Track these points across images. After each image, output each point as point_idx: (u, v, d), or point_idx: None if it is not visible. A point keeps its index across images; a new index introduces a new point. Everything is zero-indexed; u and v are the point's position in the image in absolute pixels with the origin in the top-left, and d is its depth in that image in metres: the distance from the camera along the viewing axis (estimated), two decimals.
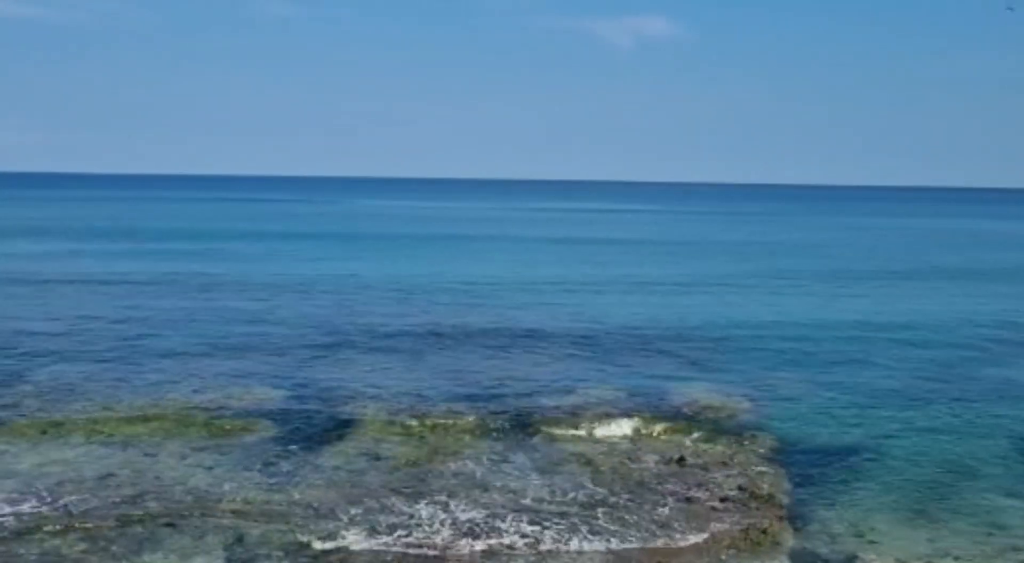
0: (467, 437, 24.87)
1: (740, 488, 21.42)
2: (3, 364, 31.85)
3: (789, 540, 18.80)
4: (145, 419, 25.76)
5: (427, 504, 20.15)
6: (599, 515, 19.82)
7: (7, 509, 19.40)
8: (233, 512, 19.49)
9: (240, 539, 18.21)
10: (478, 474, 22.10)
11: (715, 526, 19.35)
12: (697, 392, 29.65)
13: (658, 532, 19.02)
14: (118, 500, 20.04)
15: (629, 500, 20.72)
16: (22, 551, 17.49)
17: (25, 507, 19.56)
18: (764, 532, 18.97)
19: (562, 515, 19.76)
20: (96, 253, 74.01)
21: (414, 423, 25.83)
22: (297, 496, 20.47)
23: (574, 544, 18.35)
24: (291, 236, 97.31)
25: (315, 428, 25.42)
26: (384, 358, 33.92)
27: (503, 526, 19.05)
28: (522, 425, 25.91)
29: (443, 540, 18.36)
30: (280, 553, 17.65)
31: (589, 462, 23.14)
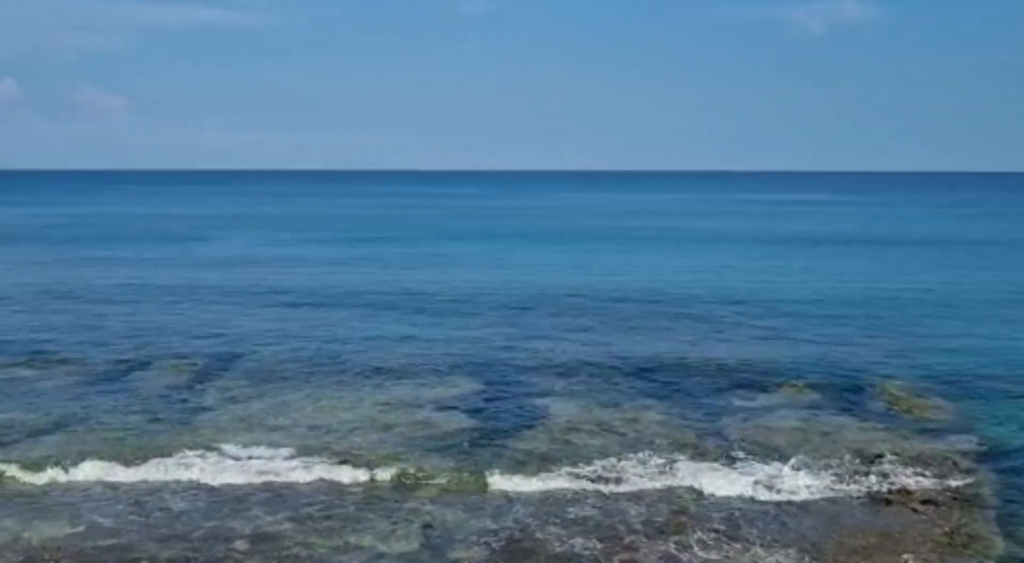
0: (657, 428, 24.80)
1: (944, 489, 20.56)
2: (222, 350, 33.88)
3: (998, 545, 17.89)
4: (345, 408, 26.94)
5: (618, 497, 20.26)
6: (791, 513, 19.44)
7: (218, 481, 20.73)
8: (429, 498, 20.17)
9: (435, 524, 18.82)
10: (668, 467, 22.04)
11: (918, 528, 18.65)
12: (896, 388, 28.58)
13: (856, 534, 18.47)
14: (321, 485, 21.05)
15: (823, 499, 20.21)
16: (236, 526, 18.65)
17: (235, 485, 20.85)
18: (971, 536, 18.16)
19: (752, 513, 19.49)
20: (306, 249, 77.47)
21: (605, 416, 25.96)
22: (490, 484, 20.96)
23: (766, 542, 18.06)
24: (494, 234, 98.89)
25: (508, 418, 25.91)
26: (578, 353, 34.12)
27: (693, 521, 18.96)
28: (711, 420, 25.66)
29: (634, 535, 18.40)
30: (473, 538, 18.13)
31: (782, 459, 22.66)
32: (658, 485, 20.96)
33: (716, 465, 22.16)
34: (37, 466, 21.94)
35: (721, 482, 21.00)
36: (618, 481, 21.19)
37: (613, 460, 22.47)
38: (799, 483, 21.03)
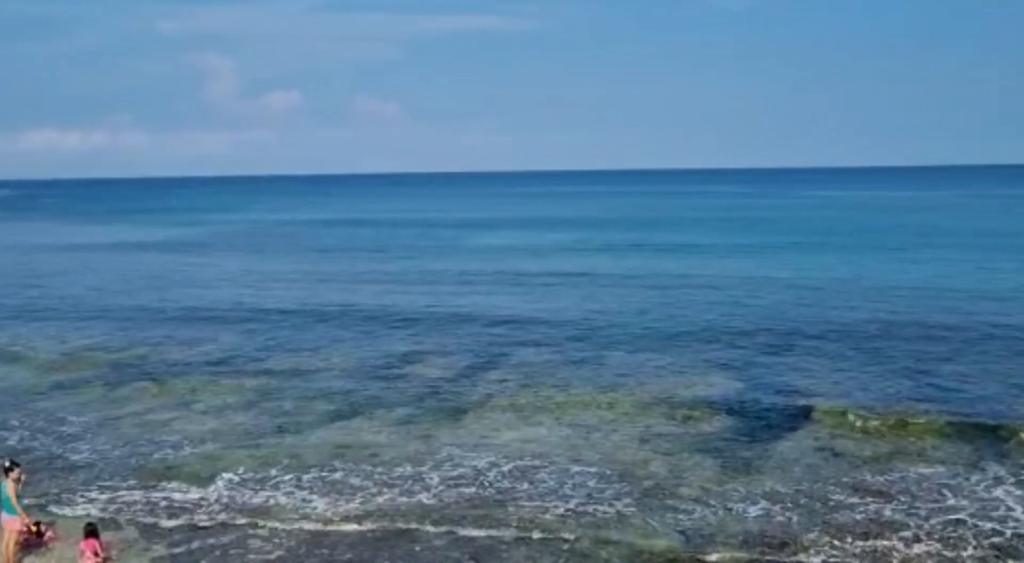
0: (929, 438, 23.67)
1: None
2: (485, 350, 35.15)
3: None
4: (608, 403, 27.33)
5: (889, 506, 19.49)
6: None
7: (482, 471, 21.56)
8: (691, 498, 20.13)
9: (697, 524, 18.79)
10: (943, 479, 20.98)
11: None
12: None
13: None
14: (582, 480, 21.46)
15: None
16: (500, 516, 19.35)
17: (497, 474, 21.61)
18: None
19: None
20: (577, 247, 78.86)
21: (872, 421, 25.02)
22: (752, 486, 20.70)
23: None
24: (739, 229, 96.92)
25: (770, 419, 25.50)
26: (841, 353, 33.07)
27: (969, 538, 17.94)
28: (992, 428, 24.17)
29: (905, 544, 17.66)
30: (734, 541, 17.97)
31: None
32: (932, 501, 19.94)
33: (994, 479, 20.86)
34: (316, 449, 23.71)
35: (998, 498, 19.70)
36: (889, 490, 20.37)
37: (883, 467, 21.66)
38: None
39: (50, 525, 18.58)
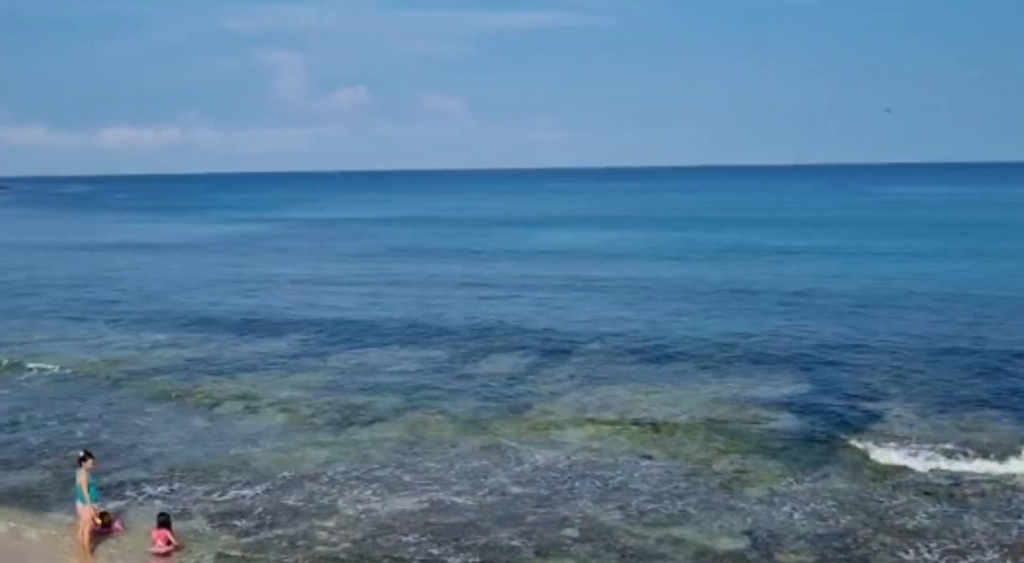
0: (1007, 441, 23.05)
1: None
2: (550, 350, 35.16)
3: None
4: (672, 402, 27.18)
5: (960, 510, 19.13)
6: None
7: (548, 469, 21.54)
8: (757, 498, 19.95)
9: (763, 524, 18.61)
10: (1021, 481, 20.52)
11: None
12: None
13: None
14: (650, 478, 21.37)
15: None
16: (567, 513, 19.33)
17: (564, 472, 21.59)
18: None
19: None
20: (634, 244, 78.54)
21: (944, 424, 24.54)
22: (819, 487, 20.47)
23: None
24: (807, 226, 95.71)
25: (838, 421, 25.12)
26: (914, 358, 32.29)
27: None
28: None
29: (978, 551, 17.27)
30: (802, 542, 17.77)
31: None
32: (1005, 500, 19.57)
33: None
34: (382, 445, 23.96)
35: None
36: (959, 493, 19.98)
37: (952, 471, 21.23)
38: None
39: (117, 515, 19.01)
